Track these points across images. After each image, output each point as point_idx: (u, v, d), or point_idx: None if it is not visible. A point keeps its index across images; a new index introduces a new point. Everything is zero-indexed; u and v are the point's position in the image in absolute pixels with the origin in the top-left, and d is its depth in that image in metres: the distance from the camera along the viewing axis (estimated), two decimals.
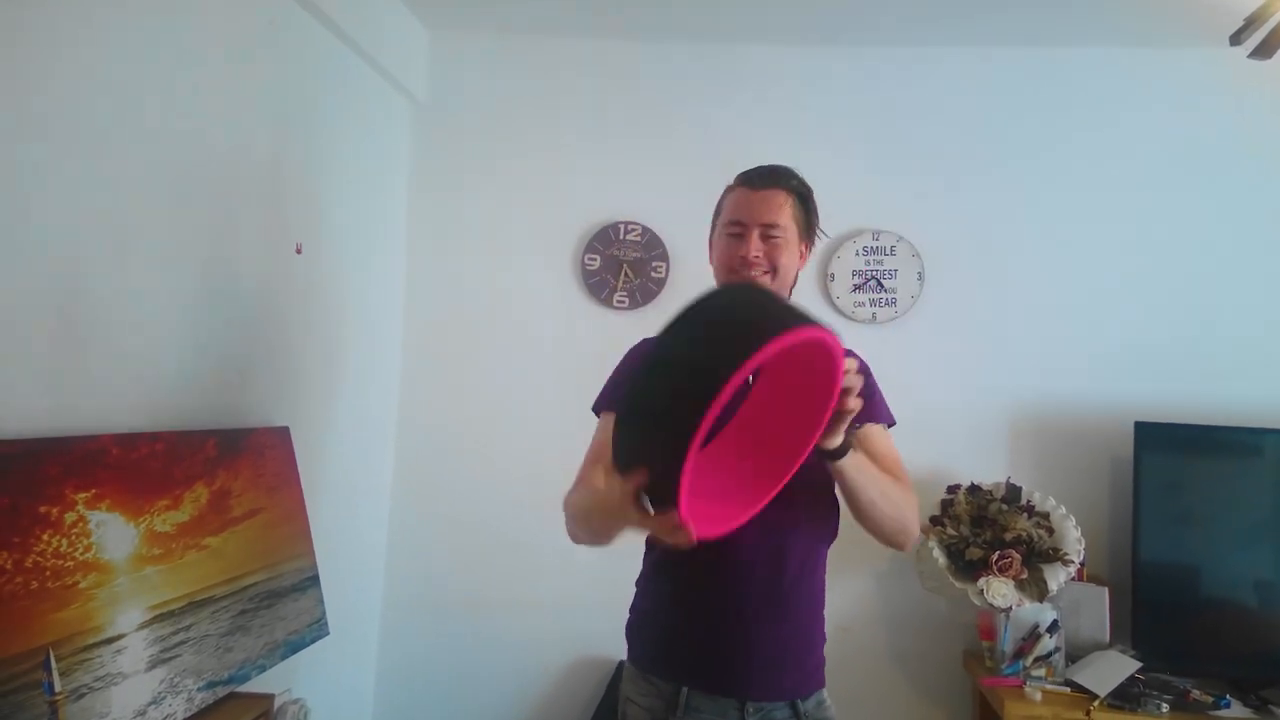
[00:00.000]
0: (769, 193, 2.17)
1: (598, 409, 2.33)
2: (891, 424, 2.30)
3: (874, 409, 2.24)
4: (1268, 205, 3.99)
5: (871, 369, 2.30)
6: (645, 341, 2.31)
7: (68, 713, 1.98)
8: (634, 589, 2.38)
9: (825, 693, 2.25)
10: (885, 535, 2.11)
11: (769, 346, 1.44)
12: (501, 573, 4.19)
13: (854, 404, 1.72)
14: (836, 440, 1.83)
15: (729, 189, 2.26)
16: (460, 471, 4.25)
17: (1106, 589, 3.74)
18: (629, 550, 2.25)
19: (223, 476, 2.70)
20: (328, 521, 3.50)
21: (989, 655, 3.70)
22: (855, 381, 1.70)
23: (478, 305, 4.30)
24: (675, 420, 1.45)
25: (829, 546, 2.25)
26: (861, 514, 2.04)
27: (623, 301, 4.22)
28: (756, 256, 2.14)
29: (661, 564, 2.19)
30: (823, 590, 2.26)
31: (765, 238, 2.15)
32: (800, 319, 1.52)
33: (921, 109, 4.20)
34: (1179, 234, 4.02)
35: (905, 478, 2.20)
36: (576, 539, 2.13)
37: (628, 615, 2.37)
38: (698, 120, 4.27)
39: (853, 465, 1.92)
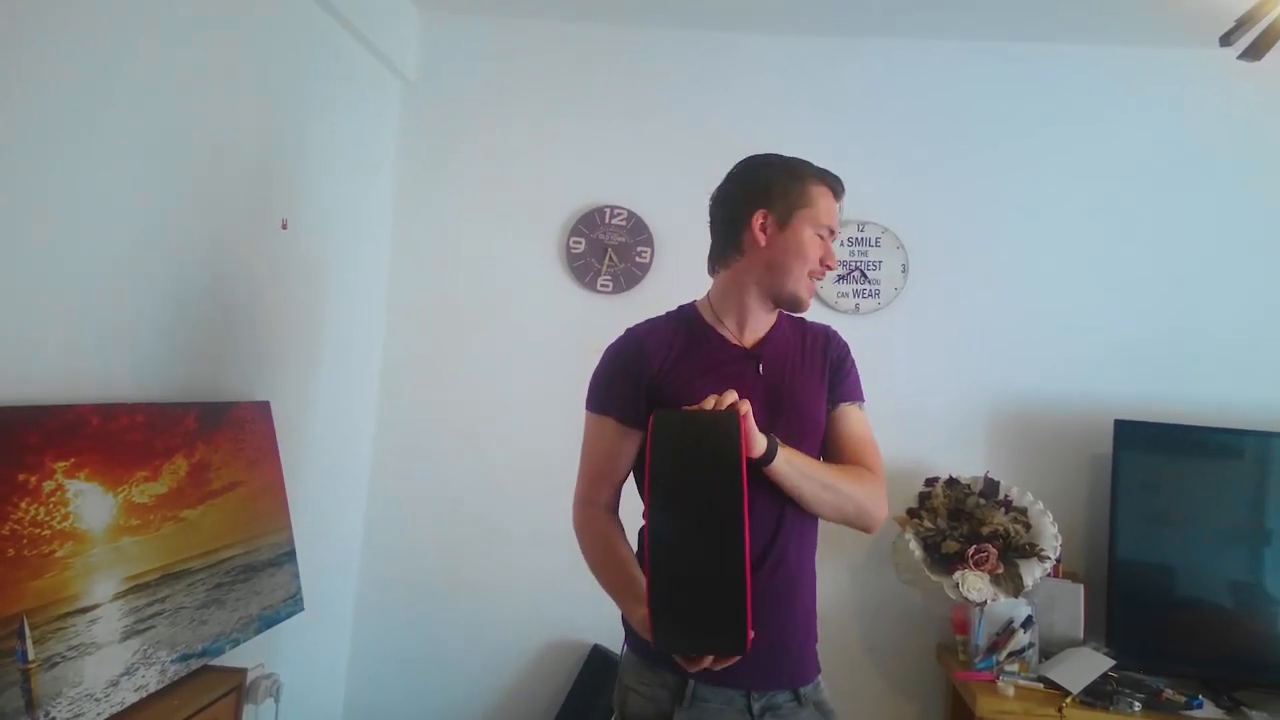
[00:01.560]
0: (839, 204, 2.26)
1: (593, 409, 2.27)
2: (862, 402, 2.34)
3: (851, 388, 2.30)
4: (1252, 206, 4.01)
5: (850, 349, 2.36)
6: (630, 331, 2.29)
7: (40, 681, 1.97)
8: None
9: (821, 677, 2.27)
10: (843, 521, 2.16)
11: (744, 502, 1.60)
12: (478, 555, 4.19)
13: (745, 407, 1.85)
14: (760, 447, 1.92)
15: (811, 182, 2.21)
16: (440, 451, 4.25)
17: (1082, 586, 3.75)
18: None
19: (202, 449, 2.69)
20: (306, 497, 3.50)
21: (962, 649, 3.71)
22: (731, 395, 1.86)
23: (462, 285, 4.30)
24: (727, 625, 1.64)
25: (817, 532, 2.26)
26: (809, 507, 2.10)
27: (606, 285, 4.22)
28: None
29: None
30: (815, 578, 2.28)
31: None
32: (727, 435, 1.68)
33: (909, 102, 4.20)
34: (1164, 233, 4.04)
35: (874, 458, 2.24)
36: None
37: None
38: (685, 107, 4.27)
39: (784, 463, 1.98)
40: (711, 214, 2.31)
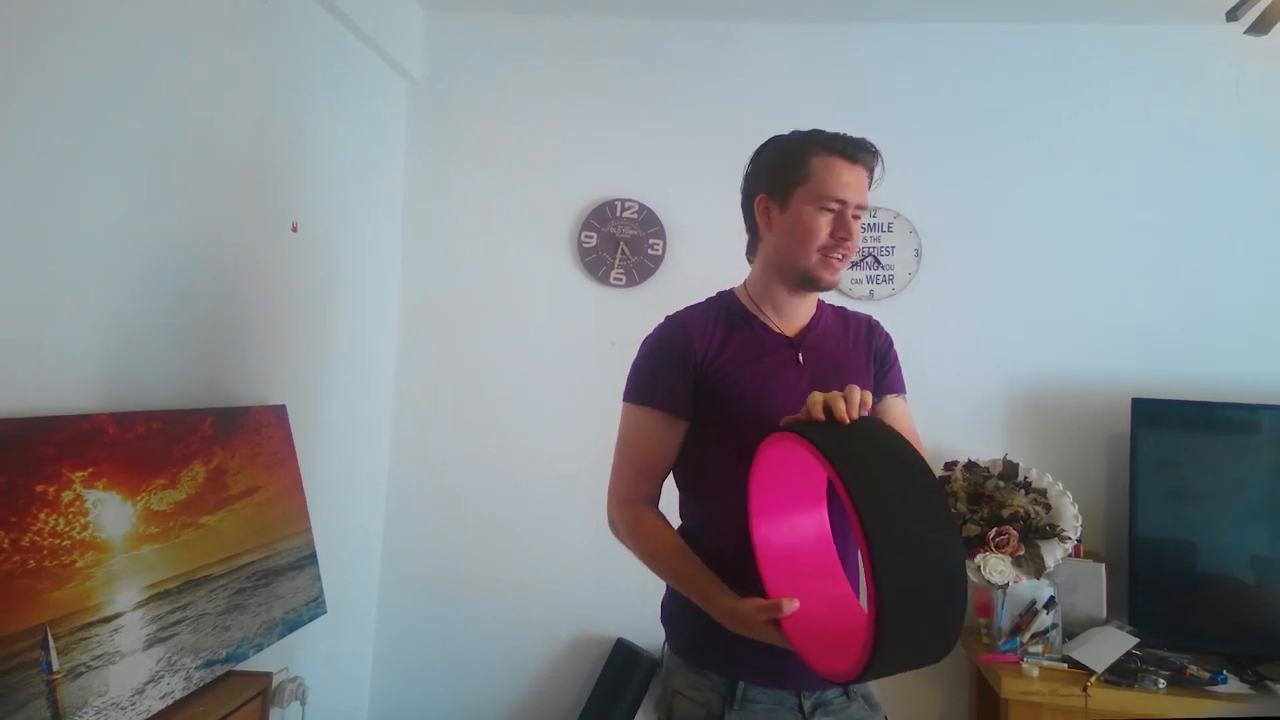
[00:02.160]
0: (862, 170, 2.06)
1: (634, 400, 2.16)
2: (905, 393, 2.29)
3: (896, 380, 2.25)
4: (1266, 183, 3.98)
5: (893, 340, 2.31)
6: (672, 319, 2.18)
7: (65, 691, 1.98)
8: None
9: None
10: None
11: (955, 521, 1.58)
12: (499, 552, 4.19)
13: (868, 399, 1.75)
14: None
15: (814, 153, 2.05)
16: (457, 450, 4.26)
17: (1104, 565, 3.74)
18: None
19: (220, 455, 2.69)
20: (325, 500, 3.51)
21: (986, 632, 3.71)
22: (857, 390, 1.74)
23: (474, 283, 4.30)
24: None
25: None
26: None
27: (619, 279, 4.21)
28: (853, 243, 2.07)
29: (713, 560, 2.01)
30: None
31: (853, 218, 2.05)
32: (917, 461, 1.64)
33: (920, 86, 4.18)
34: (1177, 211, 4.01)
35: (923, 452, 2.17)
36: (622, 542, 2.16)
37: (664, 602, 2.23)
38: (695, 98, 4.26)
39: None
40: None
